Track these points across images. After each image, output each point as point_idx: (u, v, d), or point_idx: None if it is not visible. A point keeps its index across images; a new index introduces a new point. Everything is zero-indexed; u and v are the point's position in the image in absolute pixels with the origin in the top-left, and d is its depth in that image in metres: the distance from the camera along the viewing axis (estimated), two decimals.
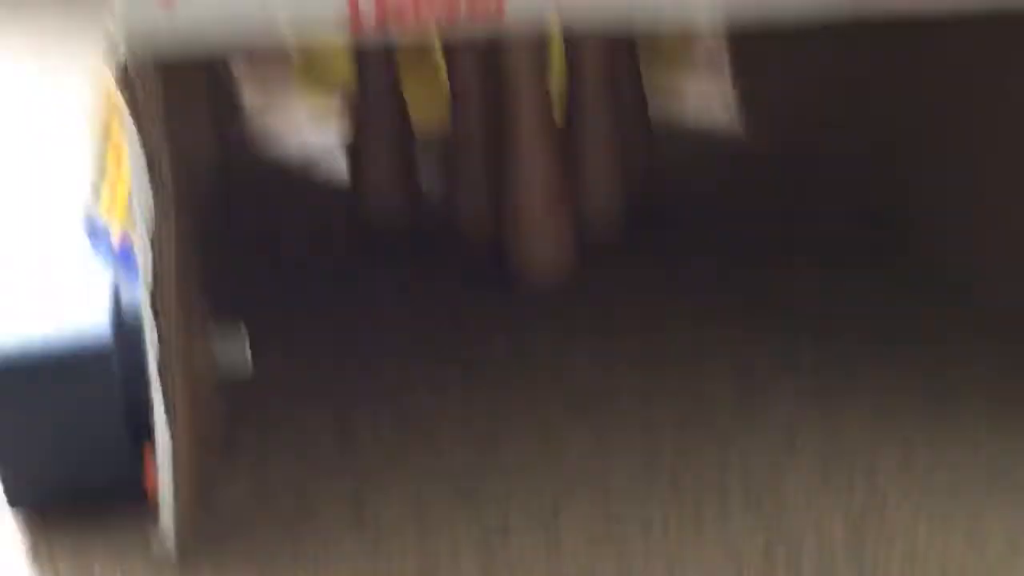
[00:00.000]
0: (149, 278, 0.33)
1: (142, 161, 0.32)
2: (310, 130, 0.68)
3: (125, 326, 0.35)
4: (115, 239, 0.41)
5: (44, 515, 0.38)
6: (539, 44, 0.49)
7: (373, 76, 0.56)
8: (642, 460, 0.39)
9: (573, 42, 0.53)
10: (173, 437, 0.33)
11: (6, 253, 0.43)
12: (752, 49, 0.68)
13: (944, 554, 0.34)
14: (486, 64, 0.52)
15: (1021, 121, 0.46)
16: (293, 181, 0.63)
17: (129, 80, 0.32)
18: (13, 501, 0.37)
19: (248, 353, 0.39)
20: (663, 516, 0.37)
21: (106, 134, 0.46)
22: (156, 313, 0.33)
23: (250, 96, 0.70)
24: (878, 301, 0.49)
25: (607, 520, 0.36)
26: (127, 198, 0.40)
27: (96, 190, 0.45)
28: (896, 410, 0.42)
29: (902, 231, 0.54)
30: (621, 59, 0.56)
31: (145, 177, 0.33)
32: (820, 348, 0.45)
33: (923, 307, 0.48)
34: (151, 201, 0.33)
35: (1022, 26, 0.43)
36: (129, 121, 0.33)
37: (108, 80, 0.42)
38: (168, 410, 0.33)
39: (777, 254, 0.53)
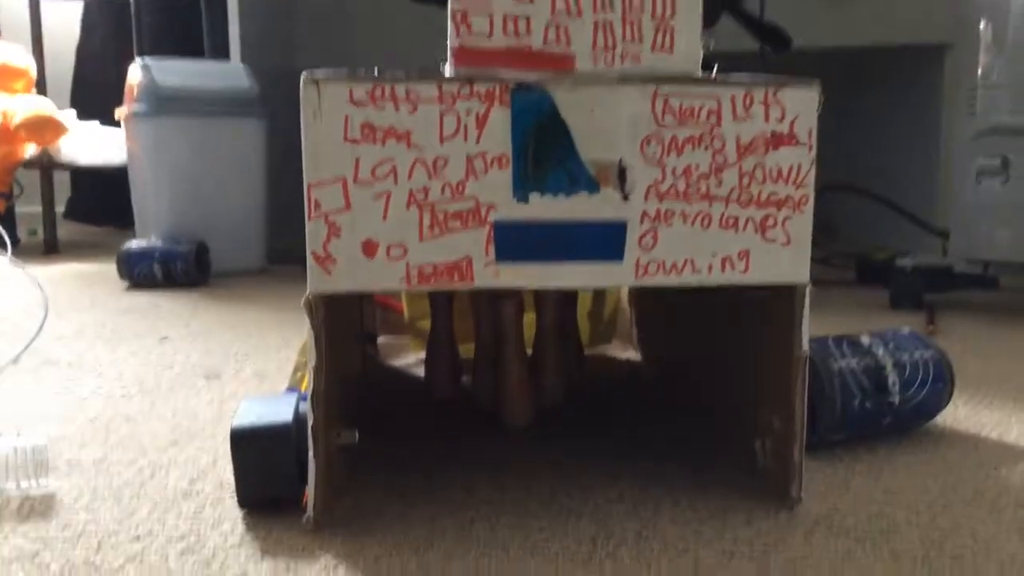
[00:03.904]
0: (313, 398, 0.74)
1: (312, 343, 0.74)
2: (409, 354, 1.19)
3: (300, 419, 0.76)
4: (301, 389, 0.84)
5: (258, 510, 0.77)
6: (519, 303, 0.92)
7: (438, 321, 1.01)
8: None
9: (539, 304, 0.96)
10: (317, 473, 0.74)
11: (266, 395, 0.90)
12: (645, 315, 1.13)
13: None
14: (492, 312, 0.96)
15: None
16: (398, 377, 1.11)
17: (312, 308, 0.74)
18: (242, 503, 0.77)
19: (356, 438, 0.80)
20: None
21: (298, 365, 0.93)
22: (314, 413, 0.74)
23: (381, 334, 1.23)
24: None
25: None
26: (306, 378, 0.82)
27: (294, 377, 0.93)
28: None
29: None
30: (567, 316, 1.00)
31: (315, 353, 0.75)
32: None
33: None
34: (316, 360, 0.74)
35: None
36: (310, 328, 0.74)
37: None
38: (316, 458, 0.74)
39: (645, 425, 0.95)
